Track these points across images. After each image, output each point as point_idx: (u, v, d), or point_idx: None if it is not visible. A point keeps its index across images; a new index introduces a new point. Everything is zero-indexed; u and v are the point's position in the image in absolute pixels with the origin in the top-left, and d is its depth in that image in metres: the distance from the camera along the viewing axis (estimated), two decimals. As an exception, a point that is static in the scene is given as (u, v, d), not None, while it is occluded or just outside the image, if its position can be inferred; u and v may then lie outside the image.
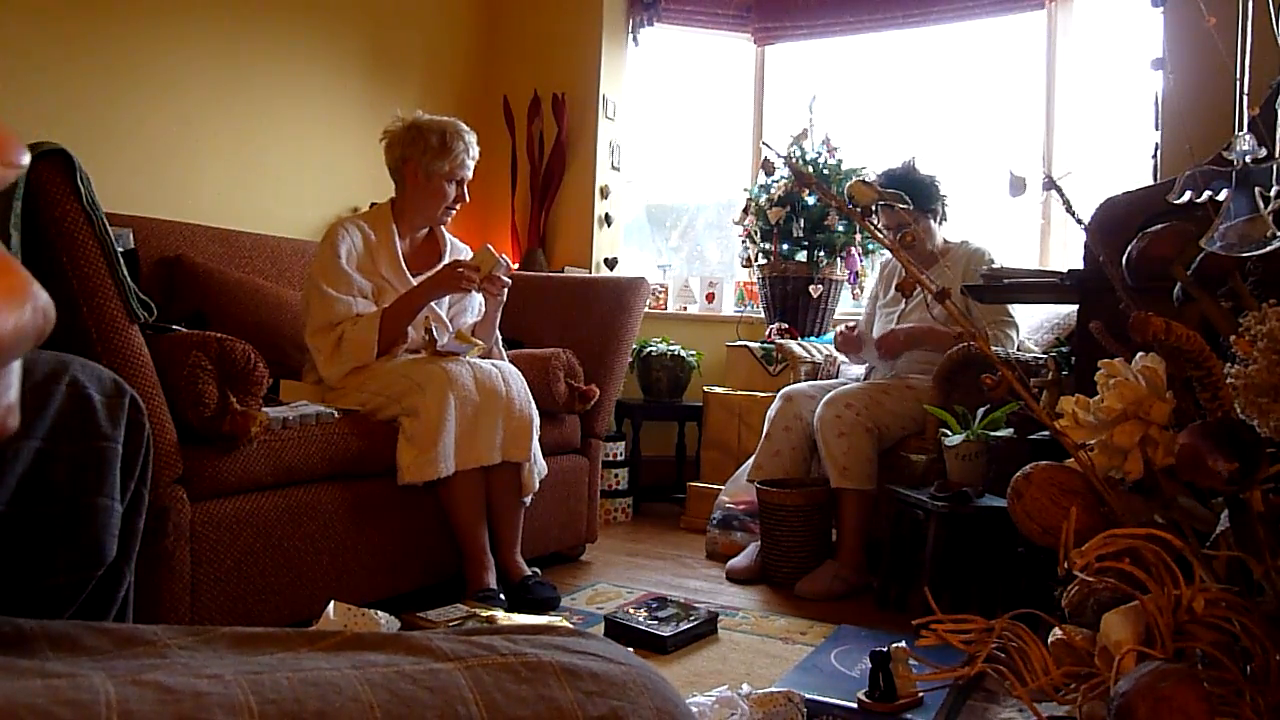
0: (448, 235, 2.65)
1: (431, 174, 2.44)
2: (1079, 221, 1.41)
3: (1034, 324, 3.06)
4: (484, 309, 2.61)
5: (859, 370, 3.18)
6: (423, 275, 2.49)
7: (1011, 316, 2.82)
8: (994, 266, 2.66)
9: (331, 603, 1.75)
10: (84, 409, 0.92)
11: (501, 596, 2.22)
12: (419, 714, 0.35)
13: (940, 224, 2.97)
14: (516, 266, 2.56)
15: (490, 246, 2.43)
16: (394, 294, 2.43)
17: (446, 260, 2.58)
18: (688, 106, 4.63)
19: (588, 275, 3.88)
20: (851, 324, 3.04)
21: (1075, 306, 2.24)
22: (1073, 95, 3.78)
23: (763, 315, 3.87)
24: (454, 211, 2.53)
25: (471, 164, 2.50)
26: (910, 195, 2.87)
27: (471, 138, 2.50)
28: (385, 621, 1.77)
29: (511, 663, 0.40)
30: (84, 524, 0.91)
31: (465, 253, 2.66)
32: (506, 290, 2.49)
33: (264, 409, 1.89)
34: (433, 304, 2.46)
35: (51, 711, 0.27)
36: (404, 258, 2.50)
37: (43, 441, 0.87)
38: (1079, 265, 1.90)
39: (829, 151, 3.78)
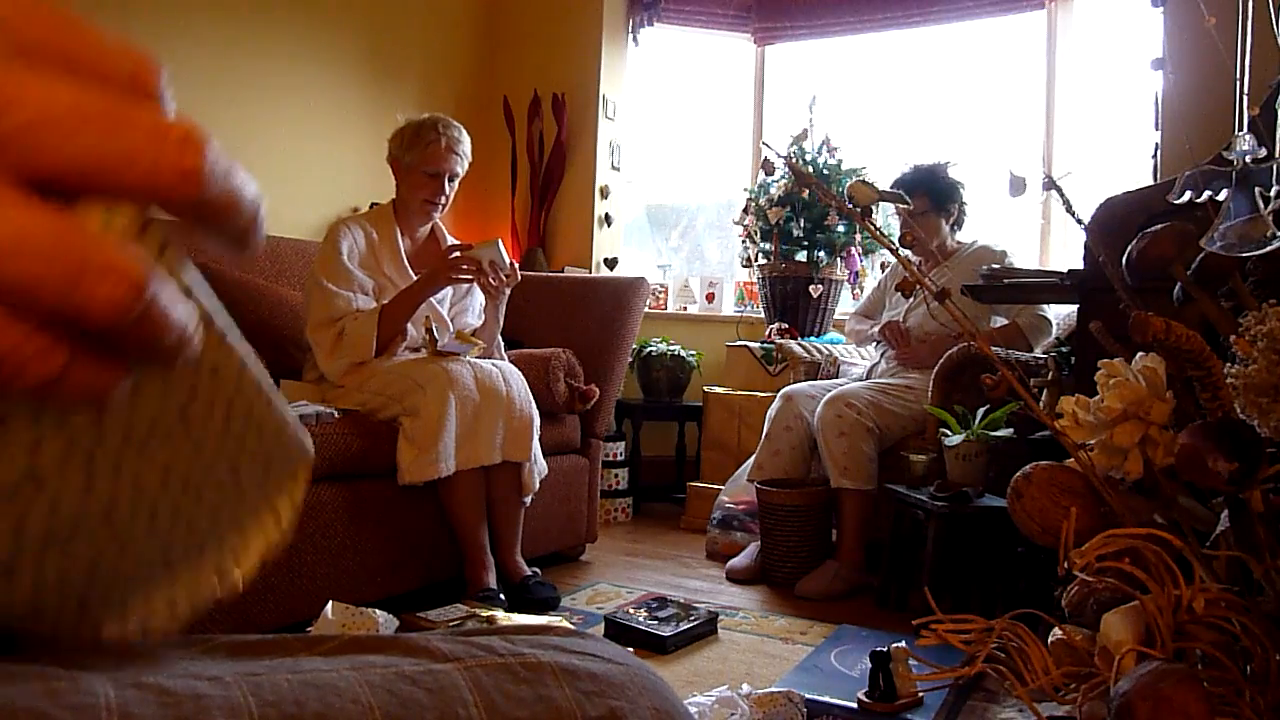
0: (449, 237, 2.65)
1: (407, 167, 2.45)
2: (1079, 221, 1.41)
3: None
4: (485, 313, 2.60)
5: (859, 370, 3.18)
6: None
7: (1044, 309, 2.80)
8: (1004, 265, 2.66)
9: (330, 602, 1.75)
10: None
11: (501, 596, 2.22)
12: (419, 715, 0.35)
13: (953, 226, 2.97)
14: (517, 266, 2.55)
15: (499, 241, 2.41)
16: (396, 293, 2.43)
17: (448, 260, 2.58)
18: (688, 106, 4.63)
19: (588, 275, 3.88)
20: (903, 323, 2.96)
21: (1075, 306, 2.24)
22: (1073, 95, 3.78)
23: (763, 315, 3.87)
24: (436, 206, 2.47)
25: (454, 157, 2.44)
26: (929, 192, 2.88)
27: (454, 131, 2.44)
28: (384, 621, 1.77)
29: (510, 663, 0.40)
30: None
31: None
32: (507, 292, 2.49)
33: (264, 409, 1.89)
34: (434, 303, 2.46)
35: (51, 714, 0.27)
36: (407, 257, 2.50)
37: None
38: (1079, 265, 1.90)
39: (829, 151, 3.78)
